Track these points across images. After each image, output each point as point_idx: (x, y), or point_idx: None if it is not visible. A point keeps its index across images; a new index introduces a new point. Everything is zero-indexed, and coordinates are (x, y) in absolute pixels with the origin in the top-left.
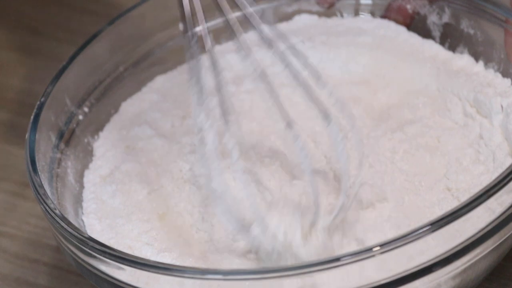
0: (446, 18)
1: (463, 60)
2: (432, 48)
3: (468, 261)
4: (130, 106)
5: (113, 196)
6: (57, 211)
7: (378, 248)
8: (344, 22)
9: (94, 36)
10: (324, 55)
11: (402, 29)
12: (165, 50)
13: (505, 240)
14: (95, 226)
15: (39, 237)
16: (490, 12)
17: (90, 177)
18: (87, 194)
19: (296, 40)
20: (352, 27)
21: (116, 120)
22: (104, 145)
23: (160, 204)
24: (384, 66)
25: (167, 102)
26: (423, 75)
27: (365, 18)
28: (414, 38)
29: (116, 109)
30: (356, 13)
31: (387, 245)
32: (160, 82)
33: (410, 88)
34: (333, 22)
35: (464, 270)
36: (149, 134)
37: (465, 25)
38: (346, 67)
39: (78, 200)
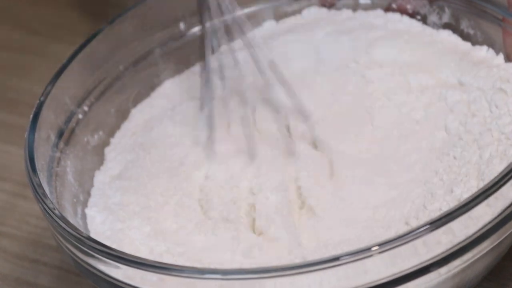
0: (446, 18)
1: (482, 51)
2: (450, 38)
3: (468, 260)
4: (140, 113)
5: (117, 191)
6: (56, 211)
7: (376, 247)
8: (355, 16)
9: (94, 35)
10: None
11: (416, 23)
12: (165, 49)
13: (504, 239)
14: (96, 219)
15: (39, 237)
16: (490, 12)
17: (100, 177)
18: (94, 191)
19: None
20: (362, 22)
21: (127, 127)
22: (116, 149)
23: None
24: (404, 55)
25: (177, 108)
26: (445, 64)
27: (377, 12)
28: (428, 29)
29: (116, 108)
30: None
31: (385, 245)
32: (168, 87)
33: (436, 78)
34: (342, 16)
35: (463, 270)
36: (161, 139)
37: (465, 25)
38: (367, 56)
39: (78, 199)
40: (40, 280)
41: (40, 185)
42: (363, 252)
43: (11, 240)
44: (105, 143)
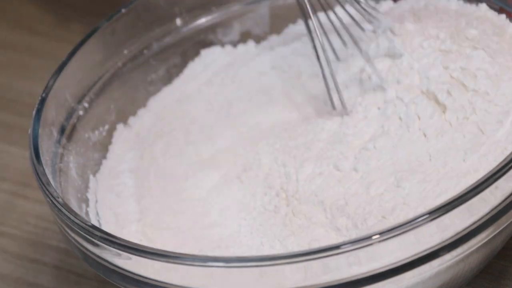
0: None
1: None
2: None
3: (462, 252)
4: (157, 102)
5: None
6: (60, 199)
7: (377, 236)
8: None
9: (92, 32)
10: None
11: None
12: (162, 44)
13: (499, 233)
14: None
15: (39, 237)
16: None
17: (104, 172)
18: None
19: None
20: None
21: (140, 115)
22: (122, 146)
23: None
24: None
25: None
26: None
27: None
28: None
29: (115, 104)
30: None
31: (383, 235)
32: (186, 75)
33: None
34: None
35: (457, 263)
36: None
37: None
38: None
39: (82, 195)
40: (40, 280)
41: (44, 174)
42: (360, 241)
43: (11, 240)
44: (106, 139)
